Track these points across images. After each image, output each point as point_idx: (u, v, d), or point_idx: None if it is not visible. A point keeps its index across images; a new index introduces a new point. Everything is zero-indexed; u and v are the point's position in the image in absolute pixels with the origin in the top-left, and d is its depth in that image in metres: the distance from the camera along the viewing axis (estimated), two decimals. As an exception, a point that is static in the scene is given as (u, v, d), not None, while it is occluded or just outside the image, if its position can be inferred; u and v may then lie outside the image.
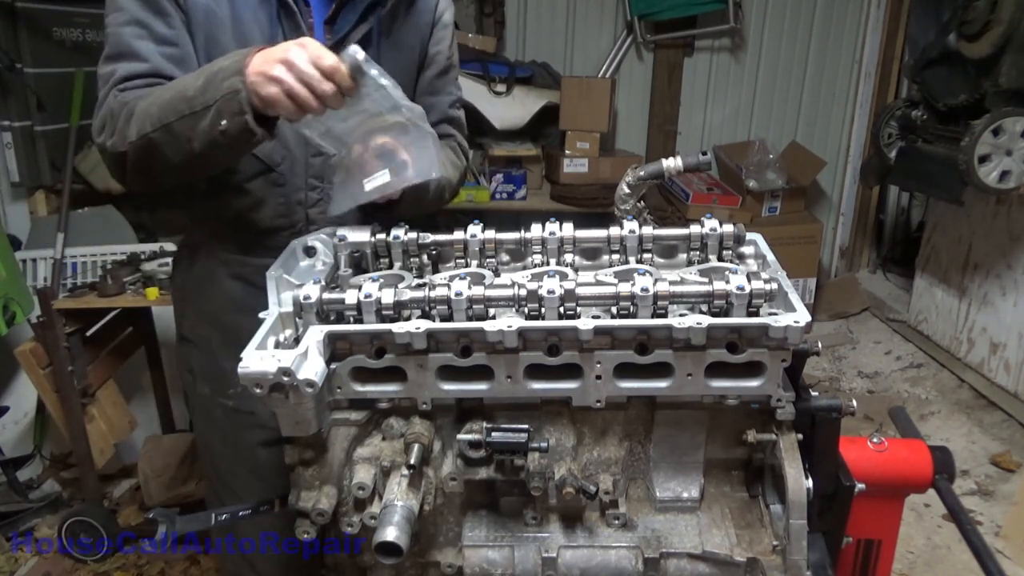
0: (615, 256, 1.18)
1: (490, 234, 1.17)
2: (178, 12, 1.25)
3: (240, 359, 0.87)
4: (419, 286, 0.98)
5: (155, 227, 3.87)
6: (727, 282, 0.92)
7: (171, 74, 1.23)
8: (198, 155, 1.15)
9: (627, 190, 1.45)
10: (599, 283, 1.00)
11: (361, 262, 1.20)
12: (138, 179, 1.24)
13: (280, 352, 0.87)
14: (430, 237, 1.19)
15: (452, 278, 0.99)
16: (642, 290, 0.92)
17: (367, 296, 0.95)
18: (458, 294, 0.94)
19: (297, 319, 0.99)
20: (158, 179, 1.25)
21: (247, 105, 1.07)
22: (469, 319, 0.95)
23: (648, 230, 1.16)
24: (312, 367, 0.88)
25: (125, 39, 1.23)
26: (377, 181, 1.13)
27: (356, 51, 1.05)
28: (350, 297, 0.96)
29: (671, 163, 1.42)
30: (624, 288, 0.93)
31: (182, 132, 1.12)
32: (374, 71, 1.06)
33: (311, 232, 1.25)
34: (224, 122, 1.08)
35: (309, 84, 1.05)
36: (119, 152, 1.20)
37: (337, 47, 1.22)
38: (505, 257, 1.23)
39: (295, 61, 1.05)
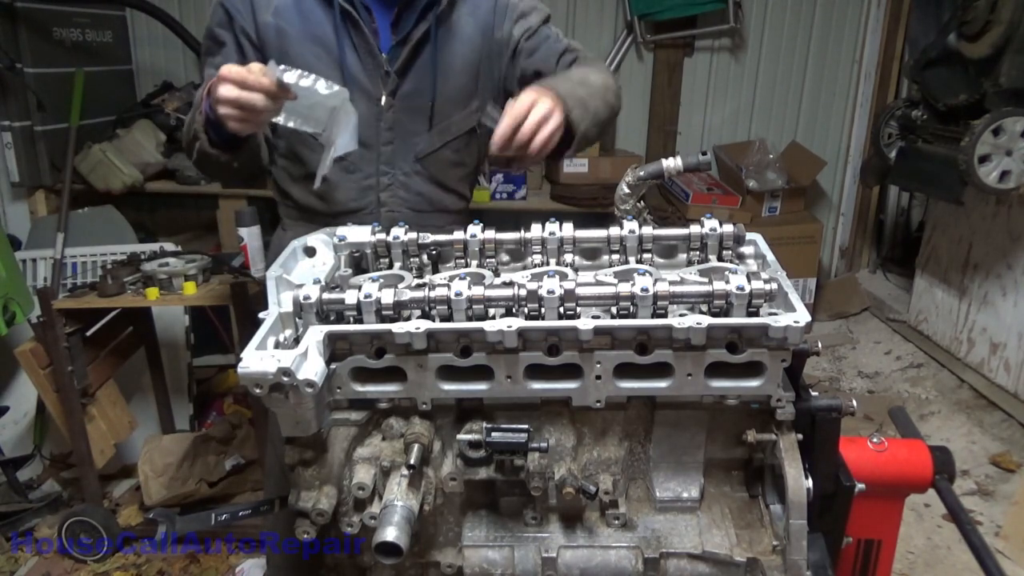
0: (615, 256, 1.18)
1: (490, 234, 1.17)
2: (241, 41, 1.49)
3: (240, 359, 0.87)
4: (419, 286, 0.98)
5: (155, 227, 3.87)
6: (727, 282, 0.92)
7: None
8: (214, 164, 1.39)
9: (627, 190, 1.45)
10: (599, 283, 1.00)
11: (361, 262, 1.20)
12: (218, 177, 1.60)
13: (280, 352, 0.87)
14: (430, 237, 1.19)
15: (452, 278, 0.99)
16: (642, 290, 0.92)
17: (367, 296, 0.95)
18: (458, 294, 0.94)
19: (297, 319, 0.99)
20: (228, 176, 1.54)
21: (201, 132, 1.34)
22: (469, 319, 0.95)
23: (648, 230, 1.16)
24: (312, 367, 0.88)
25: (201, 65, 1.56)
26: (329, 156, 1.32)
27: (273, 67, 1.19)
28: (350, 297, 0.96)
29: (671, 163, 1.42)
30: (624, 288, 0.93)
31: (194, 151, 1.39)
32: (290, 77, 1.20)
33: (384, 213, 1.56)
34: (198, 144, 1.36)
35: (243, 100, 1.20)
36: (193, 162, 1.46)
37: (401, 46, 1.49)
38: (505, 257, 1.23)
39: (228, 91, 1.20)
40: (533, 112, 1.27)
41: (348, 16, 1.46)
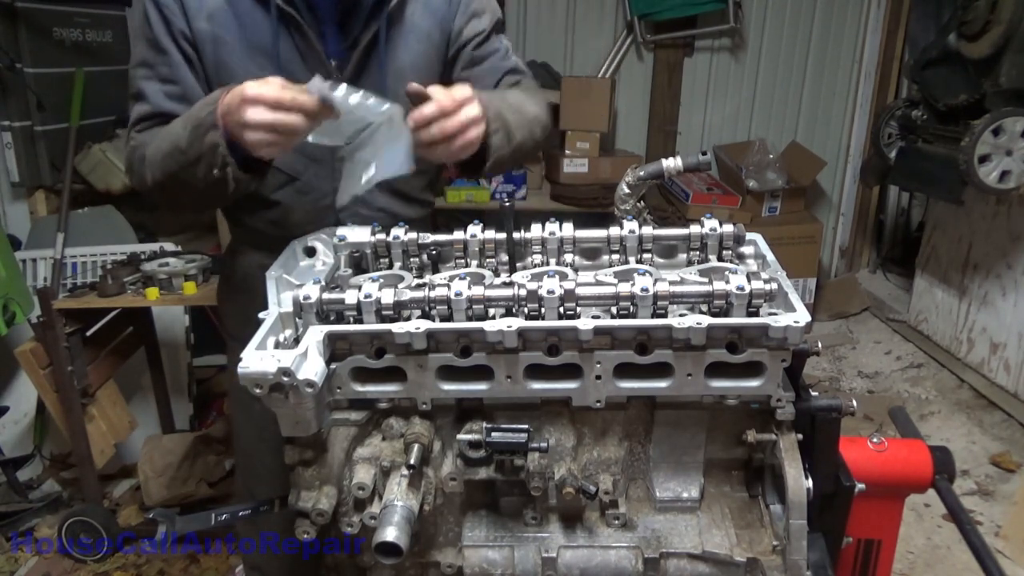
0: (615, 256, 1.18)
1: (490, 234, 1.17)
2: (183, 46, 1.32)
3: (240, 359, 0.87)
4: (419, 286, 0.98)
5: (155, 227, 3.87)
6: (727, 282, 0.92)
7: (174, 111, 1.29)
8: (210, 192, 1.22)
9: (627, 190, 1.45)
10: (599, 283, 1.00)
11: (361, 262, 1.20)
12: (173, 208, 1.37)
13: (280, 352, 0.87)
14: (430, 237, 1.19)
15: (452, 278, 0.99)
16: (642, 290, 0.92)
17: (367, 296, 0.95)
18: (458, 294, 0.94)
19: (297, 319, 0.99)
20: (191, 207, 1.37)
21: (229, 157, 1.14)
22: (469, 319, 0.95)
23: (648, 230, 1.16)
24: (312, 367, 0.88)
25: (137, 81, 1.34)
26: (368, 175, 1.17)
27: (319, 82, 1.08)
28: (350, 297, 0.96)
29: (671, 163, 1.42)
30: (624, 288, 0.93)
31: (187, 179, 1.20)
32: (339, 93, 1.08)
33: None
34: (216, 171, 1.15)
35: (280, 124, 1.07)
36: (147, 190, 1.31)
37: (350, 52, 1.33)
38: (505, 257, 1.23)
39: (259, 114, 1.07)
40: (464, 111, 1.14)
41: (289, 19, 1.31)
